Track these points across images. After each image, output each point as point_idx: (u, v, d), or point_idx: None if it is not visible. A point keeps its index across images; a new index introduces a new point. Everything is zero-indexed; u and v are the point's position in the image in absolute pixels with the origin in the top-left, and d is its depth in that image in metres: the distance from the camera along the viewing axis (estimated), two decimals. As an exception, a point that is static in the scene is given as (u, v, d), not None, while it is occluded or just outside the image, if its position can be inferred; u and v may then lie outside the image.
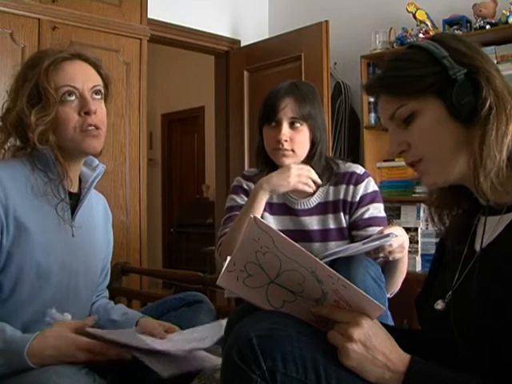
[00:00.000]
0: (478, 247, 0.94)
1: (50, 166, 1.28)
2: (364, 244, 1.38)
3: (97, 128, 1.31)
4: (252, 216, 0.89)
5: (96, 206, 1.49)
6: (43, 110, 1.25)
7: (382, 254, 1.43)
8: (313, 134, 1.67)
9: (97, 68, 1.35)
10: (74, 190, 1.37)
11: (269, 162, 1.71)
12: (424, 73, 0.91)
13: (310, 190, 1.64)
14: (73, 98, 1.29)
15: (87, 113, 1.29)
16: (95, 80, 1.34)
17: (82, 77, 1.31)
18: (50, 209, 1.28)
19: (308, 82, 1.81)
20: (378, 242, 1.37)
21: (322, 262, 0.88)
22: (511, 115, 0.88)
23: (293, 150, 1.65)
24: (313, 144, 1.68)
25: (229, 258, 0.95)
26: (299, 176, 1.59)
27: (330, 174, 1.71)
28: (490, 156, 0.87)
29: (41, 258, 1.24)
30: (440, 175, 0.94)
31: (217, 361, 1.23)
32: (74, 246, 1.34)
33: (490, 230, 0.93)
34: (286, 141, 1.63)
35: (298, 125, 1.65)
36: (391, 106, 0.95)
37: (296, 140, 1.65)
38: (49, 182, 1.28)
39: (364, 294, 0.87)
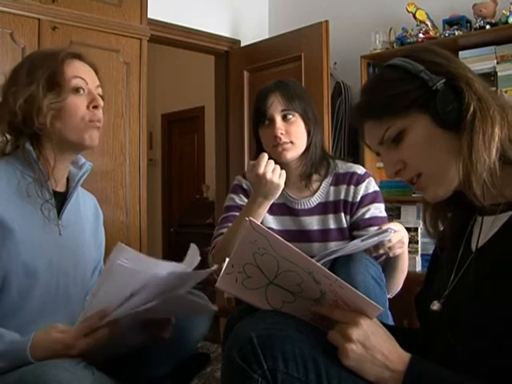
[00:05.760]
0: (473, 247, 0.94)
1: (33, 166, 1.29)
2: (363, 241, 1.38)
3: (99, 122, 1.37)
4: (248, 219, 0.90)
5: (84, 205, 1.49)
6: (57, 96, 1.31)
7: (381, 251, 1.42)
8: (307, 126, 1.68)
9: (96, 71, 1.43)
10: (61, 189, 1.38)
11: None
12: (404, 90, 0.92)
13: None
14: (81, 92, 1.35)
15: (96, 107, 1.36)
16: (97, 80, 1.41)
17: (90, 74, 1.39)
18: (35, 208, 1.28)
19: (293, 79, 1.82)
20: (376, 238, 1.37)
21: (318, 264, 0.89)
22: (495, 117, 0.89)
23: (291, 142, 1.65)
24: (307, 135, 1.69)
25: (227, 259, 0.95)
26: (272, 172, 1.53)
27: (327, 167, 1.72)
28: (480, 160, 0.87)
29: (27, 258, 1.24)
30: (441, 187, 0.94)
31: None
32: (62, 244, 1.34)
33: (485, 229, 0.93)
34: (282, 133, 1.64)
35: (290, 116, 1.65)
36: (379, 131, 0.95)
37: (292, 131, 1.65)
38: (33, 183, 1.28)
39: (361, 294, 0.88)
